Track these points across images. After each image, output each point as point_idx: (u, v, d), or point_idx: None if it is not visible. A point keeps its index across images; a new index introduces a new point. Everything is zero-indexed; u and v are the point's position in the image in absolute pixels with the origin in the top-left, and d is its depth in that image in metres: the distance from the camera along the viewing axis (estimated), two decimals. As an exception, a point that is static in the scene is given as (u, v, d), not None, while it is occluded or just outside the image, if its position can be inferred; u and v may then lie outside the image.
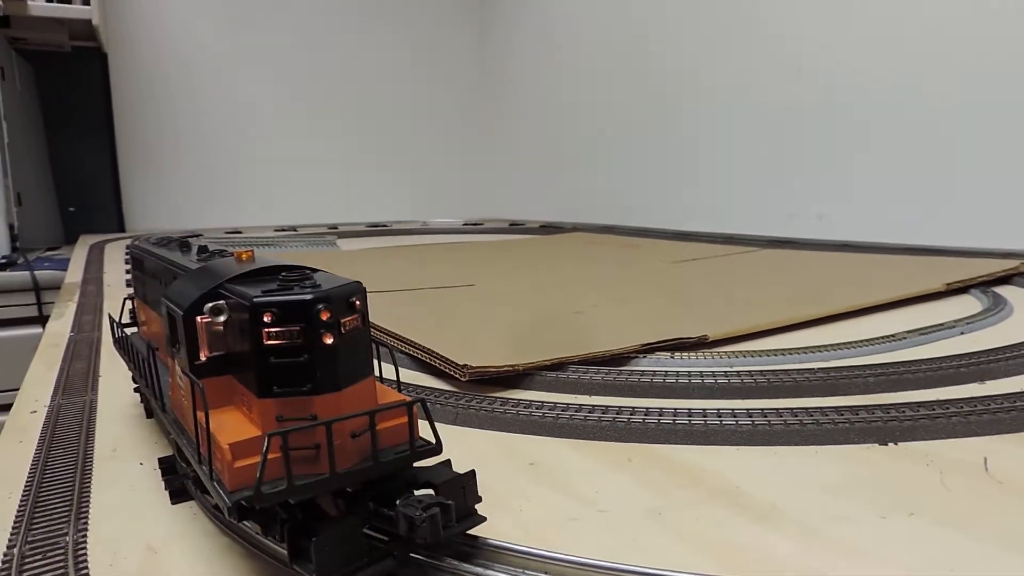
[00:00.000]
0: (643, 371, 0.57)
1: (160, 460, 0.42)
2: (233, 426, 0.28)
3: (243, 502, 0.26)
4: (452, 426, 0.48)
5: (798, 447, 0.44)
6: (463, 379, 0.55)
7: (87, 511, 0.37)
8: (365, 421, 0.28)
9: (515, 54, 2.79)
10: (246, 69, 2.54)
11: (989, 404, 0.47)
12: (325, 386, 0.28)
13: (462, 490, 0.29)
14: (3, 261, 1.53)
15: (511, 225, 2.38)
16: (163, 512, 0.37)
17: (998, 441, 0.44)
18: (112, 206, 2.33)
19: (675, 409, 0.48)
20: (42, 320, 1.38)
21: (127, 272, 1.20)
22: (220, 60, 2.51)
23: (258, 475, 0.25)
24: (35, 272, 1.41)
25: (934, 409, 0.46)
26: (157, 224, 2.38)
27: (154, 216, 2.41)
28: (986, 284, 0.93)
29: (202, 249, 0.41)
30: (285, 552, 0.27)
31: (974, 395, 0.50)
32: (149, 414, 0.50)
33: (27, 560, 0.32)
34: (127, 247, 1.55)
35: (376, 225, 2.40)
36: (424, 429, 0.30)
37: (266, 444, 0.25)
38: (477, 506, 0.30)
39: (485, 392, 0.54)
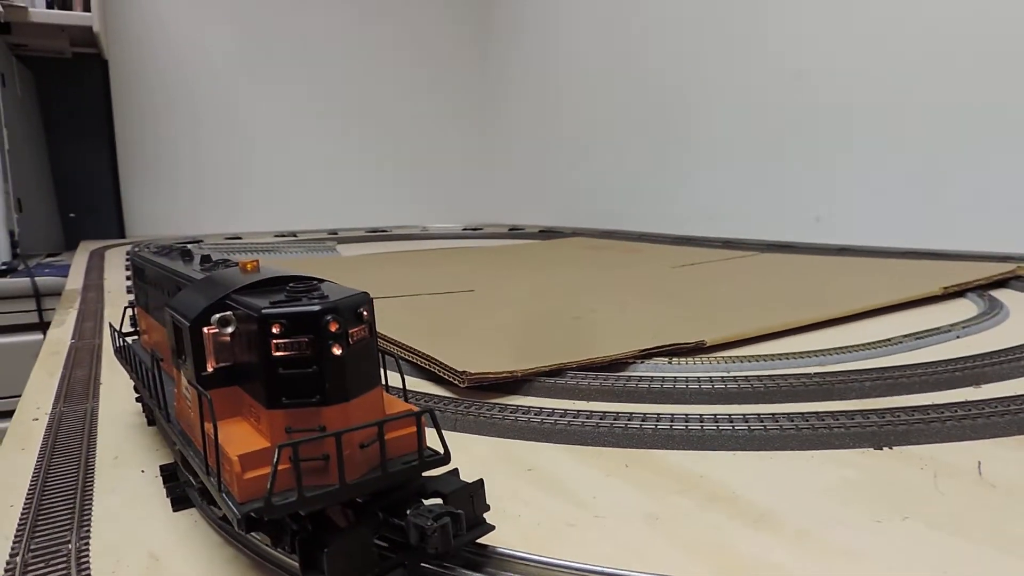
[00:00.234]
0: (641, 376, 0.57)
1: (162, 468, 0.42)
2: (241, 437, 0.28)
3: (253, 514, 0.26)
4: (451, 432, 0.49)
5: (794, 452, 0.44)
6: (462, 385, 0.56)
7: (89, 519, 0.38)
8: (374, 431, 0.28)
9: (515, 60, 2.80)
10: (246, 75, 2.55)
11: (984, 408, 0.48)
12: (334, 397, 0.28)
13: (471, 499, 0.29)
14: (3, 267, 1.53)
15: (511, 230, 2.39)
16: (165, 520, 0.38)
17: (992, 445, 0.44)
18: (112, 212, 2.34)
19: (672, 415, 0.48)
20: (43, 326, 1.38)
21: (127, 278, 1.20)
22: (220, 67, 2.52)
23: (268, 487, 0.25)
24: (35, 278, 1.41)
25: (929, 413, 0.47)
26: (157, 230, 2.38)
27: (154, 222, 2.42)
28: (982, 288, 0.93)
29: (205, 259, 0.41)
30: (294, 562, 0.27)
31: (969, 399, 0.50)
32: (150, 421, 0.51)
33: (30, 568, 0.33)
34: (128, 253, 1.56)
35: (376, 230, 2.40)
36: (431, 438, 0.30)
37: (276, 455, 0.25)
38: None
39: (484, 398, 0.55)
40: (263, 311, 0.28)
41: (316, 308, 0.28)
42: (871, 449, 0.44)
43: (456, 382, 0.56)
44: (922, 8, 1.39)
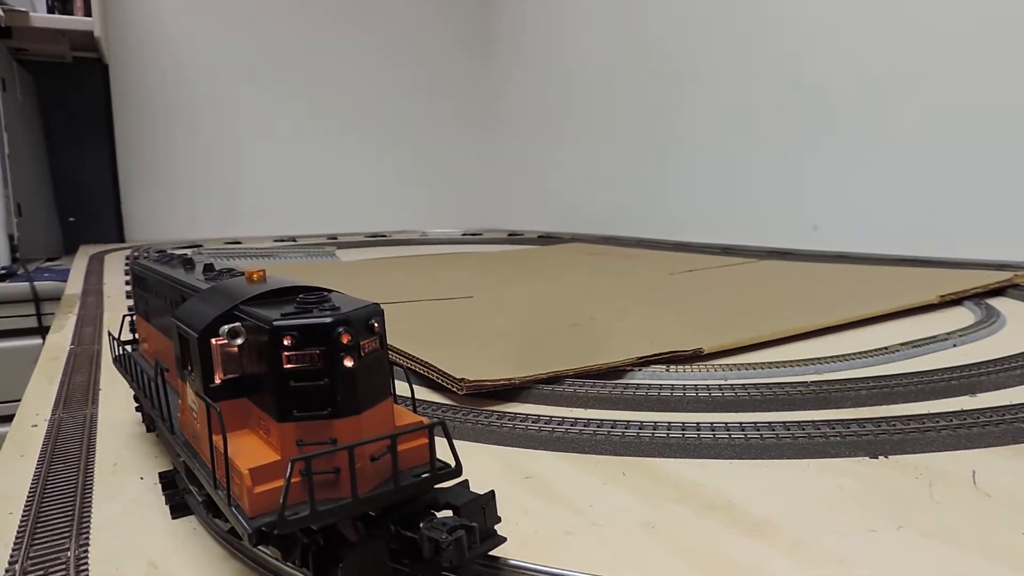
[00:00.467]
0: (638, 384, 0.57)
1: (160, 475, 0.42)
2: (251, 450, 0.28)
3: (264, 528, 0.26)
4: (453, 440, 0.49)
5: (791, 460, 0.45)
6: (460, 393, 0.56)
7: (88, 526, 0.38)
8: (385, 444, 0.28)
9: (515, 65, 2.81)
10: (246, 80, 2.56)
11: (979, 417, 0.48)
12: (345, 410, 0.28)
13: (482, 511, 0.29)
14: (3, 272, 1.53)
15: (510, 235, 2.39)
16: (164, 527, 0.38)
17: (987, 454, 0.45)
18: (112, 216, 2.34)
19: (669, 423, 0.48)
20: (42, 331, 1.38)
21: (127, 283, 1.20)
22: (221, 71, 2.52)
23: (282, 501, 0.25)
24: (35, 283, 1.41)
25: (924, 422, 0.47)
26: (157, 234, 2.38)
27: (154, 226, 2.42)
28: (980, 296, 0.94)
29: (208, 267, 0.41)
30: None
31: (965, 408, 0.50)
32: (150, 428, 0.51)
33: None
34: (127, 259, 1.56)
35: (375, 235, 2.41)
36: (440, 449, 0.30)
37: (289, 469, 0.25)
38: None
39: (481, 406, 0.55)
40: (274, 323, 0.27)
41: (328, 320, 0.27)
42: (867, 458, 0.44)
43: (455, 389, 0.56)
44: (922, 17, 1.40)
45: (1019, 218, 1.25)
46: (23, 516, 0.39)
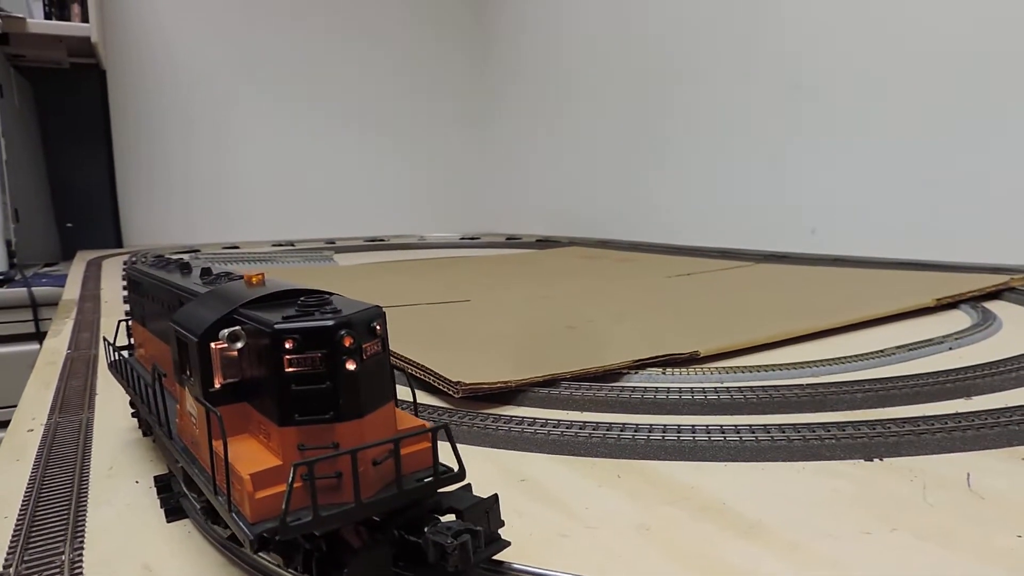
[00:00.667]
0: (634, 387, 0.57)
1: (156, 478, 0.42)
2: (251, 456, 0.28)
3: (266, 534, 0.25)
4: (445, 443, 0.49)
5: (785, 463, 0.45)
6: (456, 395, 0.56)
7: (83, 530, 0.38)
8: (388, 448, 0.27)
9: (514, 70, 2.82)
10: (244, 85, 2.56)
11: (974, 420, 0.48)
12: (348, 413, 0.27)
13: (486, 515, 0.29)
14: (1, 277, 1.53)
15: (508, 239, 2.40)
16: (159, 531, 0.38)
17: (982, 456, 0.45)
18: (110, 222, 2.34)
19: (664, 425, 0.48)
20: (39, 336, 1.38)
21: (125, 289, 1.20)
22: (218, 76, 2.53)
23: (284, 507, 0.25)
24: (32, 288, 1.41)
25: (919, 425, 0.47)
26: (155, 240, 2.39)
27: (152, 232, 2.42)
28: (976, 299, 0.94)
29: (205, 272, 0.40)
30: None
31: (960, 411, 0.50)
32: (146, 433, 0.51)
33: (24, 579, 0.33)
34: (124, 265, 1.56)
35: (373, 239, 2.41)
36: (442, 452, 0.30)
37: (292, 475, 0.25)
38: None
39: (478, 409, 0.55)
40: (275, 326, 0.27)
41: (330, 323, 0.27)
42: (862, 460, 0.44)
43: (451, 392, 0.56)
44: (922, 17, 1.40)
45: (1015, 221, 1.26)
46: (18, 520, 0.39)
